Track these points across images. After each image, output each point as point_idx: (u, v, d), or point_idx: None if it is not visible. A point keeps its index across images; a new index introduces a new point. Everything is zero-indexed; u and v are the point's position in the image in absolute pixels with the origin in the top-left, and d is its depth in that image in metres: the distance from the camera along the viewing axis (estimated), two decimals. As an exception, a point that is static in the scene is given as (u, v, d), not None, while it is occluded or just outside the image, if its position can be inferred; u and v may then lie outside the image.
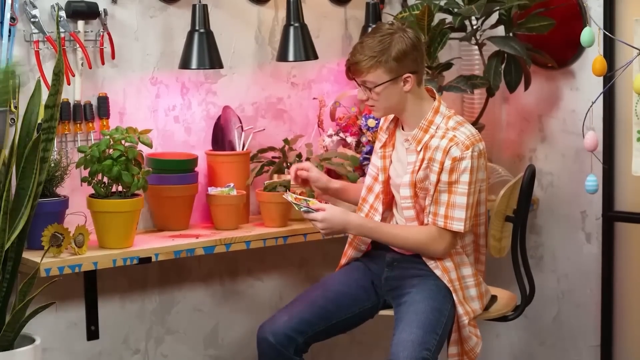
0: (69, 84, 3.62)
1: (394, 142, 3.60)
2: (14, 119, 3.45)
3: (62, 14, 3.62)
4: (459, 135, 3.44)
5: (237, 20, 4.07)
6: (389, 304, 3.62)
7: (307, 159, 4.00)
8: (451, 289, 3.50)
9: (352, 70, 3.47)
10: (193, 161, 3.85)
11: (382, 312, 3.67)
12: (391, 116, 3.61)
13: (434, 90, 3.57)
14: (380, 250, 3.64)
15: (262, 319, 3.72)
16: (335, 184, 3.74)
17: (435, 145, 3.45)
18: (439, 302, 3.47)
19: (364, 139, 4.12)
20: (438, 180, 3.44)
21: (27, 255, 3.42)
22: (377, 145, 3.66)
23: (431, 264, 3.53)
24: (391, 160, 3.61)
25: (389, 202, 3.64)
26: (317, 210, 3.45)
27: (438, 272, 3.51)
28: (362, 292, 3.63)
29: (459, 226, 3.45)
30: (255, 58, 4.13)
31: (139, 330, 3.97)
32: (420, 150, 3.48)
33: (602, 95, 3.95)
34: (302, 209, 3.46)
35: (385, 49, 3.42)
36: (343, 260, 3.74)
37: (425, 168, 3.47)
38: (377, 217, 3.61)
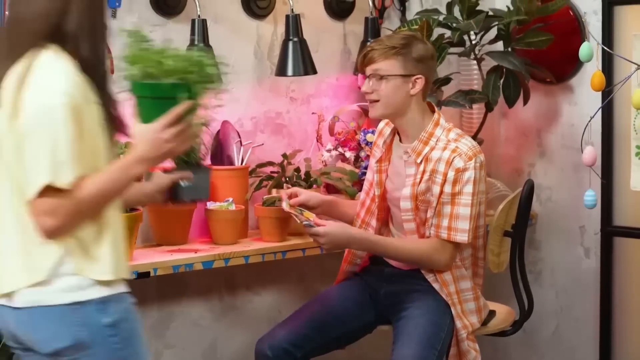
0: (67, 98, 3.62)
1: (390, 156, 3.60)
2: None
3: (61, 28, 3.62)
4: (461, 146, 3.43)
5: (236, 35, 4.08)
6: (387, 318, 3.62)
7: (307, 173, 4.01)
8: (449, 302, 3.50)
9: (368, 57, 3.44)
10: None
11: (381, 327, 3.67)
12: (387, 130, 3.60)
13: (434, 105, 3.57)
14: (379, 265, 3.64)
15: (260, 334, 3.72)
16: (329, 198, 3.73)
17: (437, 157, 3.43)
18: (437, 317, 3.47)
19: (362, 154, 4.12)
20: (441, 192, 3.43)
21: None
22: (372, 160, 3.65)
23: (430, 277, 3.52)
24: (387, 175, 3.60)
25: (384, 218, 3.64)
26: (318, 225, 3.43)
27: (437, 286, 3.51)
28: (360, 307, 3.62)
29: (462, 237, 3.43)
30: (254, 73, 4.13)
31: None
32: (421, 162, 3.46)
33: (600, 110, 3.95)
34: (303, 223, 3.43)
35: (407, 45, 3.43)
36: (340, 276, 3.73)
37: (427, 180, 3.45)
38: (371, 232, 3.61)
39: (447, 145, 3.43)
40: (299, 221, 3.45)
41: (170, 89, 2.46)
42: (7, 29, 2.58)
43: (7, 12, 3.48)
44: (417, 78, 3.44)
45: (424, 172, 3.45)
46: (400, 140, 3.55)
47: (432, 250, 3.47)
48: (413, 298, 3.52)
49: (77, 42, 2.51)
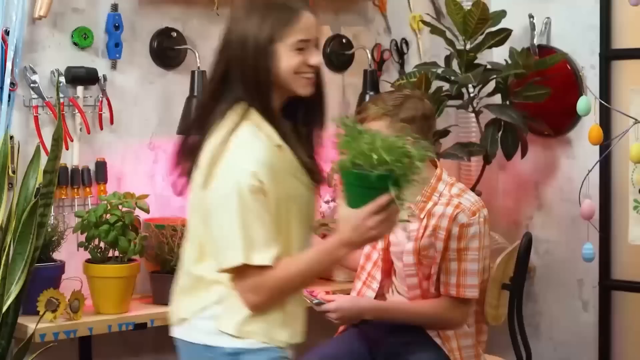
0: (67, 148, 3.64)
1: None
2: (12, 184, 3.46)
3: (62, 79, 3.65)
4: (464, 202, 3.41)
5: (236, 87, 4.09)
6: None
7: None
8: (452, 358, 3.47)
9: (361, 116, 3.42)
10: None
11: None
12: None
13: (436, 159, 3.56)
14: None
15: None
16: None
17: (440, 213, 3.41)
18: None
19: (361, 206, 4.11)
20: (445, 248, 3.40)
21: (22, 320, 3.40)
22: None
23: (432, 332, 3.50)
24: None
25: (388, 270, 3.62)
26: (327, 301, 3.41)
27: (438, 341, 3.49)
28: None
29: (472, 293, 3.41)
30: (253, 124, 4.14)
31: None
32: (424, 217, 3.45)
33: (598, 164, 3.96)
34: (313, 302, 3.39)
35: (397, 107, 3.40)
36: (341, 327, 3.71)
37: (429, 236, 3.42)
38: (375, 285, 3.58)
39: (450, 200, 3.42)
40: (308, 301, 3.40)
41: (378, 180, 2.52)
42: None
43: (7, 78, 3.51)
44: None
45: (426, 227, 3.42)
46: None
47: (444, 310, 3.43)
48: (415, 351, 3.49)
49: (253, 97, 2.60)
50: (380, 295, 3.58)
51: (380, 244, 3.58)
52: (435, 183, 3.46)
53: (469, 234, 3.39)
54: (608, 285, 4.19)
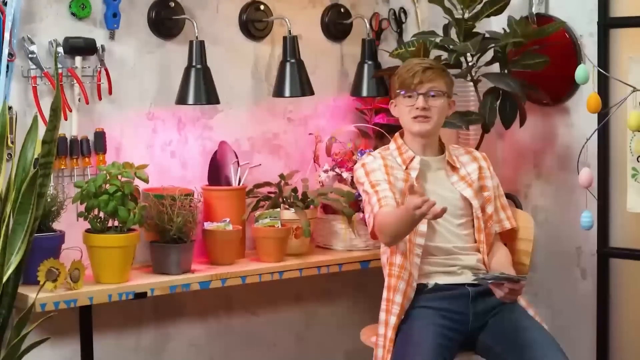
0: (65, 119, 3.64)
1: (421, 171, 3.63)
2: (10, 154, 3.47)
3: (60, 49, 3.65)
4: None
5: (234, 57, 4.09)
6: (472, 339, 3.54)
7: (304, 194, 4.02)
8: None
9: (426, 75, 3.57)
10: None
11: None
12: (407, 155, 3.63)
13: None
14: (457, 287, 3.55)
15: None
16: None
17: (472, 157, 3.74)
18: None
19: (359, 175, 4.12)
20: (492, 186, 3.71)
21: (23, 290, 3.42)
22: (402, 184, 3.57)
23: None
24: (424, 189, 3.60)
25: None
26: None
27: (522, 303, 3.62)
28: (451, 338, 3.49)
29: (514, 222, 3.76)
30: (251, 94, 4.15)
31: None
32: (460, 167, 3.68)
33: (596, 132, 3.95)
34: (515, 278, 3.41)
35: (447, 70, 3.69)
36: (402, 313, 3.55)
37: (477, 179, 3.68)
38: (419, 251, 3.52)
39: (467, 149, 3.80)
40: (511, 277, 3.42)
41: None
42: None
43: (5, 49, 3.50)
44: (452, 101, 3.67)
45: (468, 173, 3.68)
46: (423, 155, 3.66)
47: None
48: (509, 308, 3.54)
49: None
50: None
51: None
52: (446, 143, 3.72)
53: (493, 172, 3.73)
54: (606, 253, 4.18)
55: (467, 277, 3.54)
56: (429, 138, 3.64)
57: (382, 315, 3.52)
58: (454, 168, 3.67)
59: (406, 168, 3.61)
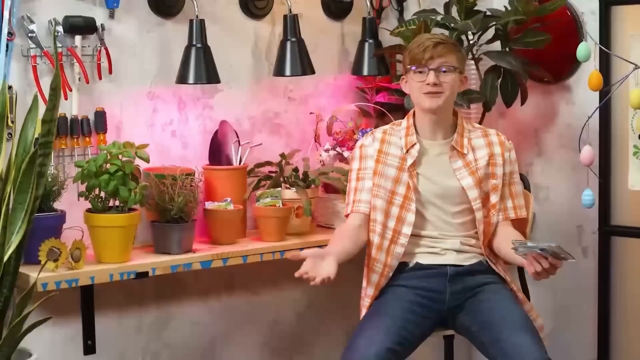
0: (66, 98, 3.63)
1: (418, 157, 3.57)
2: (11, 134, 3.46)
3: (60, 28, 3.63)
4: (495, 130, 3.68)
5: (234, 35, 4.08)
6: (450, 318, 3.54)
7: (305, 173, 4.01)
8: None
9: (438, 50, 3.50)
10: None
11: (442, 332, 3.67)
12: (411, 138, 3.56)
13: None
14: (438, 267, 3.54)
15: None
16: (332, 256, 3.33)
17: (486, 142, 3.60)
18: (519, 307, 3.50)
19: (360, 154, 4.11)
20: (503, 174, 3.59)
21: (24, 269, 3.41)
22: (392, 170, 3.55)
23: (500, 271, 3.56)
24: (418, 176, 3.56)
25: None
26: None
27: (508, 279, 3.58)
28: (422, 316, 3.50)
29: (523, 212, 3.65)
30: (252, 73, 4.13)
31: (136, 345, 3.95)
32: (467, 152, 3.57)
33: (598, 110, 3.95)
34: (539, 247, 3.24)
35: (459, 45, 3.62)
36: (377, 292, 3.57)
37: (485, 166, 3.57)
38: (404, 240, 3.53)
39: (486, 131, 3.65)
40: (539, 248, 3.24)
41: None
42: None
43: (5, 28, 3.48)
44: (464, 76, 3.60)
45: (476, 159, 3.57)
46: (427, 139, 3.58)
47: (514, 234, 3.56)
48: (488, 289, 3.51)
49: None
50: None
51: (414, 196, 3.52)
52: (461, 120, 3.61)
53: (513, 158, 3.64)
54: (608, 231, 4.19)
55: (449, 258, 3.54)
56: (440, 115, 3.55)
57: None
58: (460, 153, 3.57)
59: (407, 151, 3.58)
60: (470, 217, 3.57)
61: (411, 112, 3.65)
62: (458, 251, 3.56)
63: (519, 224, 3.68)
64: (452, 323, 3.55)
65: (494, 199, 3.58)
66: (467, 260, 3.55)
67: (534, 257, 3.25)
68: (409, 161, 3.55)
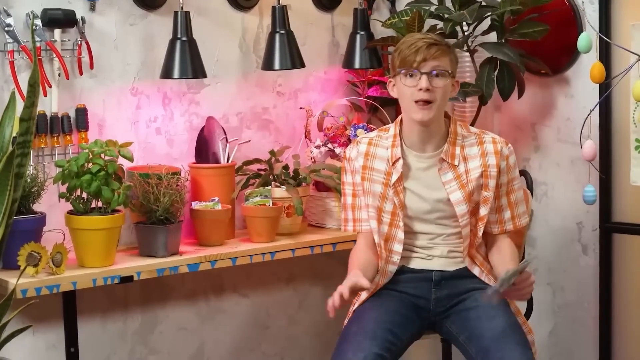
0: (45, 95, 3.56)
1: (405, 171, 3.39)
2: None
3: (38, 22, 3.56)
4: (492, 135, 3.42)
5: (221, 28, 4.02)
6: (437, 324, 3.44)
7: (295, 171, 3.97)
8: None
9: (431, 50, 3.25)
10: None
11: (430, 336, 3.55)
12: (396, 152, 3.37)
13: None
14: (424, 272, 3.43)
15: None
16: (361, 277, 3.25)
17: (480, 152, 3.37)
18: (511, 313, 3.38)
19: (353, 150, 4.04)
20: (497, 185, 3.39)
21: (3, 275, 3.38)
22: (380, 187, 3.38)
23: (484, 277, 3.42)
24: (405, 192, 3.39)
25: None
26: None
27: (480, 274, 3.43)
28: (408, 320, 3.38)
29: (525, 220, 3.48)
30: (239, 67, 4.08)
31: (121, 351, 3.91)
32: (458, 164, 3.35)
33: (598, 103, 3.87)
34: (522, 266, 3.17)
35: (450, 45, 3.37)
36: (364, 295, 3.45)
37: (478, 177, 3.36)
38: (396, 258, 3.40)
39: (481, 137, 3.40)
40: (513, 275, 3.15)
41: None
42: None
43: None
44: (456, 81, 3.38)
45: (467, 171, 3.36)
46: (413, 152, 3.39)
47: (513, 247, 3.45)
48: (474, 297, 3.37)
49: None
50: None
51: (401, 213, 3.38)
52: (454, 126, 3.39)
53: (512, 163, 3.43)
54: (609, 228, 4.14)
55: (435, 264, 3.41)
56: (430, 126, 3.34)
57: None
58: (451, 165, 3.36)
59: (393, 164, 3.38)
60: (459, 229, 3.42)
61: (399, 119, 3.44)
62: (446, 257, 3.44)
63: (517, 231, 3.60)
64: (439, 328, 3.46)
65: (483, 211, 3.39)
66: (454, 265, 3.44)
67: (507, 292, 3.14)
68: (394, 177, 3.37)
